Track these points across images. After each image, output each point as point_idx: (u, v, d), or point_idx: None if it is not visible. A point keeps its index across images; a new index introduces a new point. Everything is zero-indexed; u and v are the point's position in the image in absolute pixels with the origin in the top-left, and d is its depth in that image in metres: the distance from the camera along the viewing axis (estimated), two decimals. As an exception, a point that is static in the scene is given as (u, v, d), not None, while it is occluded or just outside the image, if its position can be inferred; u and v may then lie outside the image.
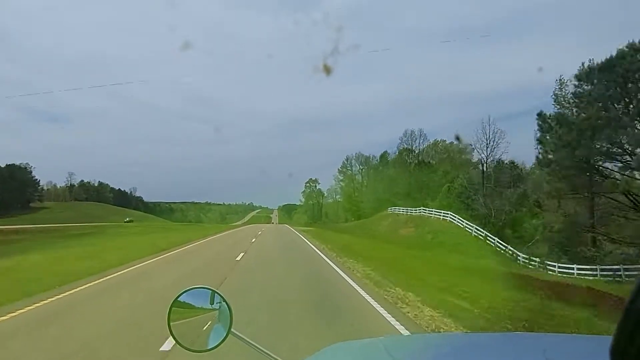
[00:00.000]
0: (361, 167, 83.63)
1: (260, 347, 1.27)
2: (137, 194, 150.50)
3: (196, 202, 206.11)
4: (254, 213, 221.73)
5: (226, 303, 1.31)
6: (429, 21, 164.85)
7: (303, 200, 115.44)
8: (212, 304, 1.33)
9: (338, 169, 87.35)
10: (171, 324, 1.28)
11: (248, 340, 1.27)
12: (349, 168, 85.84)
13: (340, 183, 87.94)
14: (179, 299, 1.31)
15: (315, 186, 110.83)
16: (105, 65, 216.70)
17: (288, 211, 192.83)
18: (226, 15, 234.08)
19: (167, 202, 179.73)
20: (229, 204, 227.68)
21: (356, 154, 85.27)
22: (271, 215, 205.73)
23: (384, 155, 78.04)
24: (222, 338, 1.26)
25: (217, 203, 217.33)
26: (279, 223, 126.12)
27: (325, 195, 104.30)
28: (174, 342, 1.29)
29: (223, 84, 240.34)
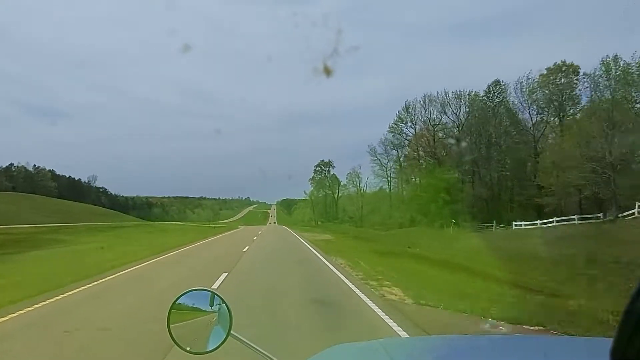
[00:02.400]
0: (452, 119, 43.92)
1: (260, 349, 1.30)
2: (99, 184, 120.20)
3: (185, 197, 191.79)
4: (250, 208, 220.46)
5: (226, 305, 1.33)
6: (429, 16, 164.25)
7: (310, 190, 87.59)
8: (211, 305, 1.35)
9: (390, 125, 49.70)
10: (171, 326, 1.30)
11: (247, 342, 1.29)
12: (426, 117, 45.67)
13: (388, 157, 52.26)
14: (178, 301, 1.33)
15: (329, 170, 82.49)
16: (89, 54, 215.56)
17: (287, 207, 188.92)
18: (224, 10, 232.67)
19: (144, 197, 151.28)
20: (225, 199, 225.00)
21: (448, 89, 44.05)
22: (269, 211, 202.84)
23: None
24: (222, 340, 1.28)
25: (213, 198, 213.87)
26: (277, 223, 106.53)
27: (343, 183, 76.47)
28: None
29: (221, 77, 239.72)
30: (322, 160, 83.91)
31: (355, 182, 69.63)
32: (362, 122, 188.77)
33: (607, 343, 0.49)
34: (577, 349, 1.34)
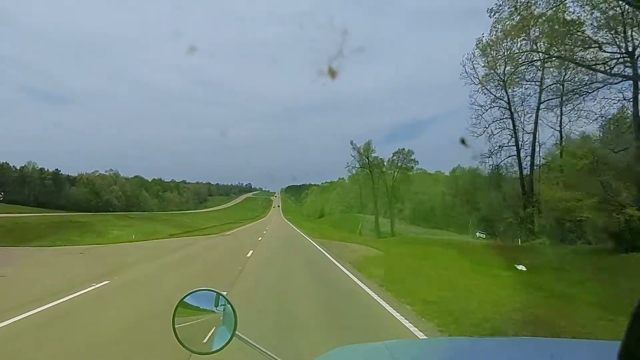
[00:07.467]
0: None
1: (265, 350, 1.35)
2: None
3: (161, 180, 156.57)
4: (249, 195, 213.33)
5: (231, 305, 1.39)
6: (433, 3, 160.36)
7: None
8: (216, 306, 1.41)
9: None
10: (176, 325, 1.36)
11: (252, 342, 1.34)
12: None
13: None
14: (183, 301, 1.39)
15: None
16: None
17: (295, 193, 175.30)
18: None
19: (52, 170, 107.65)
20: (218, 184, 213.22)
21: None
22: (272, 199, 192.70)
23: None
24: (227, 340, 1.33)
25: (203, 182, 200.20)
26: (284, 216, 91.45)
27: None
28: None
29: (224, 65, 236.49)
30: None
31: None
32: (367, 111, 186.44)
33: (615, 346, 0.50)
34: (585, 352, 1.38)
